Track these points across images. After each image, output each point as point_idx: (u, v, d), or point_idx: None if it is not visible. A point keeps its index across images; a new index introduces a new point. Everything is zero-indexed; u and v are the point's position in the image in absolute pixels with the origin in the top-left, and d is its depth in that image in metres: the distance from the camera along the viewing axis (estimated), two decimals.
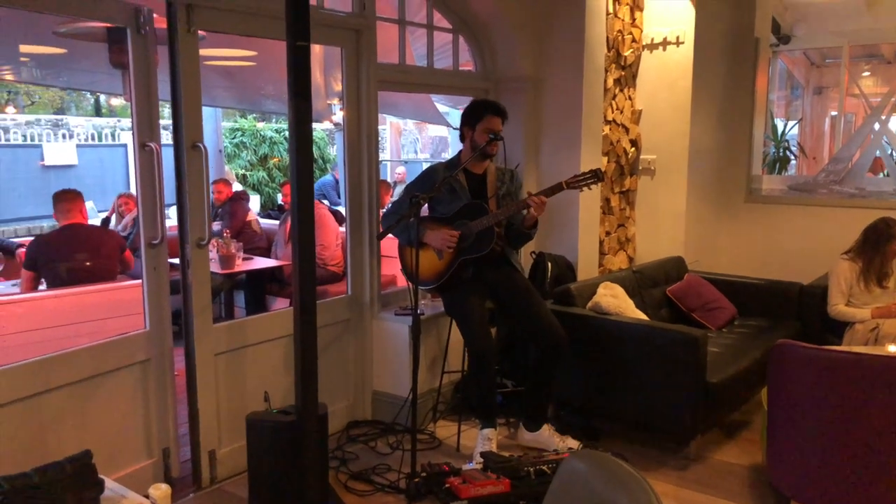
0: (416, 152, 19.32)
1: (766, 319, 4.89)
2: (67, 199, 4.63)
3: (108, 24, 4.01)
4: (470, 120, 3.90)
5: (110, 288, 4.37)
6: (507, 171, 4.07)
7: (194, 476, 3.59)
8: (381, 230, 4.04)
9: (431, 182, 3.85)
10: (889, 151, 6.40)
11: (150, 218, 3.35)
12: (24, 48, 5.48)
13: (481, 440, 3.79)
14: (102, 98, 17.89)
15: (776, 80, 8.69)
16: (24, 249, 5.39)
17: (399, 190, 9.33)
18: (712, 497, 3.50)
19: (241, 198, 7.28)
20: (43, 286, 4.57)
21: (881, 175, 7.07)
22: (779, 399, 3.22)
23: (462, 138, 3.99)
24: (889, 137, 6.18)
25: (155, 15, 3.30)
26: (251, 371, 3.75)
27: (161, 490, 2.02)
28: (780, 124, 8.34)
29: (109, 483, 2.22)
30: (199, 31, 3.40)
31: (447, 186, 3.84)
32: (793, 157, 8.40)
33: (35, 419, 2.99)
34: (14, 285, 4.88)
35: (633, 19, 5.40)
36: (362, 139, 4.21)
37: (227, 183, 7.61)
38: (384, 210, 4.36)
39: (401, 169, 14.19)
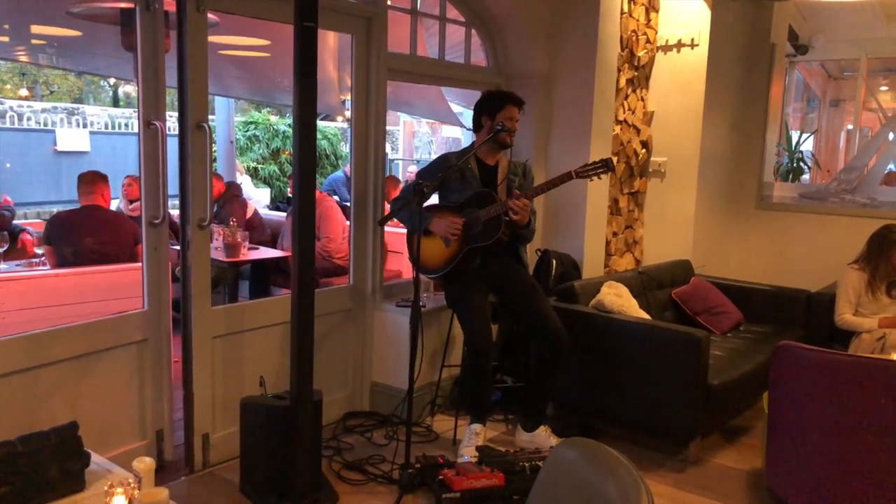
0: (429, 153, 19.34)
1: (773, 326, 4.83)
2: (89, 180, 4.66)
3: (119, 4, 4.01)
4: (488, 109, 3.85)
5: (113, 269, 4.36)
6: (521, 165, 4.03)
7: (187, 459, 3.56)
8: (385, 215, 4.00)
9: (443, 169, 3.82)
10: None
11: (152, 197, 3.33)
12: (37, 28, 5.48)
13: (469, 434, 3.76)
14: (121, 90, 17.98)
15: (793, 91, 8.62)
16: (27, 233, 5.40)
17: None
18: (709, 500, 3.44)
19: (236, 194, 6.94)
20: None
21: None
22: (779, 401, 3.17)
23: (477, 128, 3.95)
24: None
25: None
26: (249, 356, 3.73)
27: (145, 463, 1.98)
28: (794, 136, 8.28)
29: (96, 458, 2.19)
30: (212, 16, 3.40)
31: (458, 174, 3.82)
32: (806, 169, 8.34)
33: (28, 393, 2.98)
34: (18, 265, 4.88)
35: (648, 20, 5.35)
36: (370, 127, 4.20)
37: (219, 177, 7.27)
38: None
39: (413, 168, 14.19)
